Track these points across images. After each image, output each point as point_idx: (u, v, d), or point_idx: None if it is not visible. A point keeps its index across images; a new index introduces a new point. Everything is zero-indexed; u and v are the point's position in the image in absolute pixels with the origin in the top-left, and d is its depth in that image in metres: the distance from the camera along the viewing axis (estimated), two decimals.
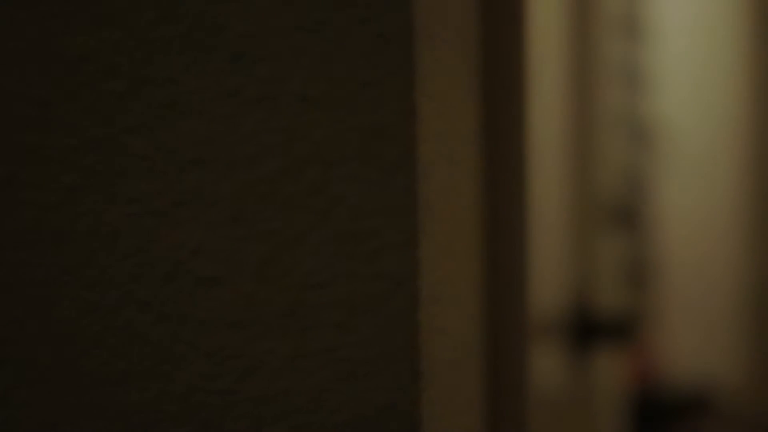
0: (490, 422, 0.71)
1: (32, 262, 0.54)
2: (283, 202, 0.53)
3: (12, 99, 0.54)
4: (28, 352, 0.54)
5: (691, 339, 4.86)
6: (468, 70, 0.65)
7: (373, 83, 0.51)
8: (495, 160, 0.70)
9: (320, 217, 0.52)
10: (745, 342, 4.46)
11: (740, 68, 4.40)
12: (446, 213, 0.58)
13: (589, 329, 1.16)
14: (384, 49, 0.51)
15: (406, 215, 0.52)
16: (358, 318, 0.53)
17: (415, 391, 0.52)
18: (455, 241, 0.62)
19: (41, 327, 0.54)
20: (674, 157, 4.88)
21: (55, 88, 0.54)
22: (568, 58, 1.19)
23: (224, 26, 0.52)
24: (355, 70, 0.51)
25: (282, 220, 0.53)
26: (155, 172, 0.53)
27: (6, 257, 0.54)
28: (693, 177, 4.78)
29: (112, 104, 0.53)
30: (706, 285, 4.71)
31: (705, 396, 4.39)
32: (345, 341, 0.53)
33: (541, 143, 0.79)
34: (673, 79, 4.82)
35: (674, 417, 4.20)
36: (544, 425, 0.77)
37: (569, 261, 1.17)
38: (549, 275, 1.04)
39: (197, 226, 0.53)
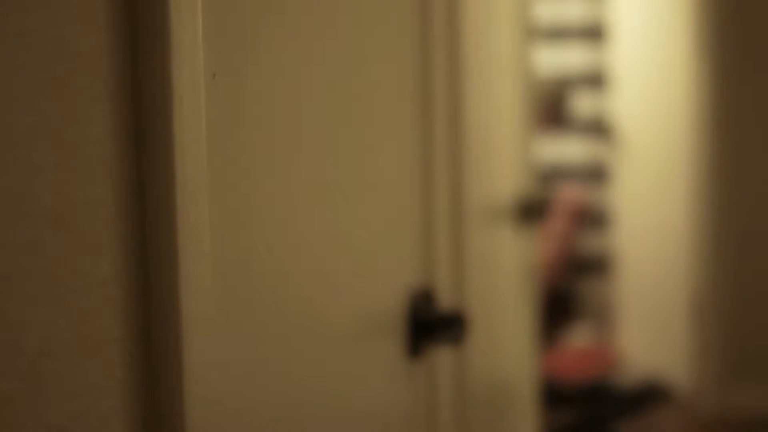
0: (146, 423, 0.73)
1: None
2: None
3: None
4: None
5: (646, 332, 4.81)
6: (94, 79, 0.67)
7: None
8: (144, 167, 0.72)
9: None
10: (698, 335, 4.41)
11: (693, 70, 4.39)
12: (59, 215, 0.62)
13: (425, 326, 1.16)
14: None
15: None
16: None
17: None
18: (60, 236, 0.65)
19: None
20: (630, 155, 4.84)
21: None
22: (427, 57, 1.19)
23: None
24: None
25: None
26: None
27: None
28: (648, 174, 4.74)
29: None
30: (660, 279, 4.67)
31: (658, 387, 4.38)
32: None
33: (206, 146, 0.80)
34: (629, 80, 4.82)
35: (628, 408, 4.19)
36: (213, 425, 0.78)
37: (413, 257, 1.18)
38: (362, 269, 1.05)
39: None
